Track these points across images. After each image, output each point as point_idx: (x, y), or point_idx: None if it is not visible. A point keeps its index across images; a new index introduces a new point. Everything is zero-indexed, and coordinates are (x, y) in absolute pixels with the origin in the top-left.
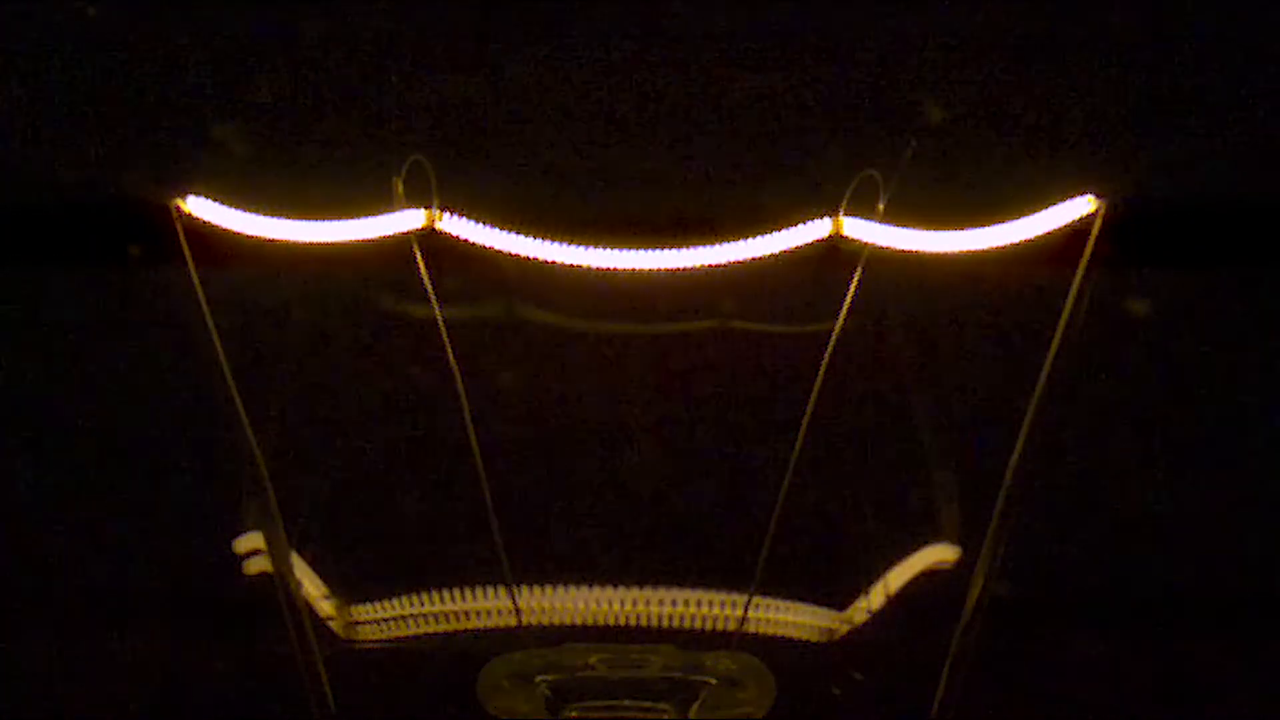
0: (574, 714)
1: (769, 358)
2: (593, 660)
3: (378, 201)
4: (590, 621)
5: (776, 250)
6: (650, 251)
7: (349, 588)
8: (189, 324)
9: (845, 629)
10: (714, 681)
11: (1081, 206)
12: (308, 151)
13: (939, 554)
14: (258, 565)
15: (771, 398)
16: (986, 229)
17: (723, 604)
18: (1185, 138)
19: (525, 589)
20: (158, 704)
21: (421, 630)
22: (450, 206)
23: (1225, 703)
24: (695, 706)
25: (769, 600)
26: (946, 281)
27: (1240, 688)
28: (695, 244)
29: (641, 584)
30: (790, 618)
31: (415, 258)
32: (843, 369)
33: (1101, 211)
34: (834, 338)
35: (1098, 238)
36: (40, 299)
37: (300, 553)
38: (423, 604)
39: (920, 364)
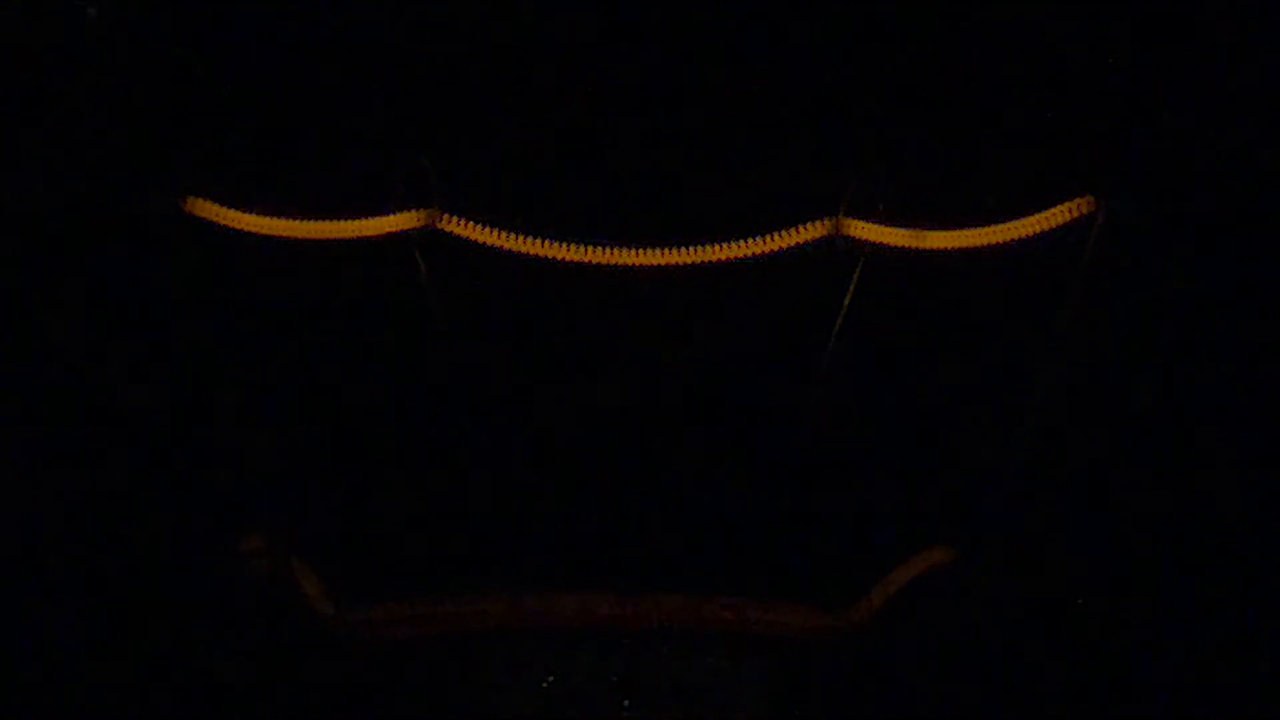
0: (574, 714)
1: (769, 356)
2: (593, 660)
3: (377, 202)
4: (590, 622)
5: (776, 250)
6: (651, 250)
7: (349, 588)
8: (189, 322)
9: (845, 629)
10: (714, 681)
11: (1081, 206)
12: (308, 152)
13: (938, 555)
14: (258, 565)
15: (771, 397)
16: (986, 229)
17: (722, 605)
18: (1184, 139)
19: (525, 590)
20: (158, 703)
21: (421, 631)
22: (450, 206)
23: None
24: (695, 706)
25: (768, 600)
26: (946, 281)
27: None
28: (695, 243)
29: (642, 585)
30: (790, 618)
31: (415, 258)
32: (843, 367)
33: (1101, 211)
34: (834, 337)
35: (1097, 238)
36: (41, 298)
37: (300, 553)
38: (423, 604)
39: (920, 362)
